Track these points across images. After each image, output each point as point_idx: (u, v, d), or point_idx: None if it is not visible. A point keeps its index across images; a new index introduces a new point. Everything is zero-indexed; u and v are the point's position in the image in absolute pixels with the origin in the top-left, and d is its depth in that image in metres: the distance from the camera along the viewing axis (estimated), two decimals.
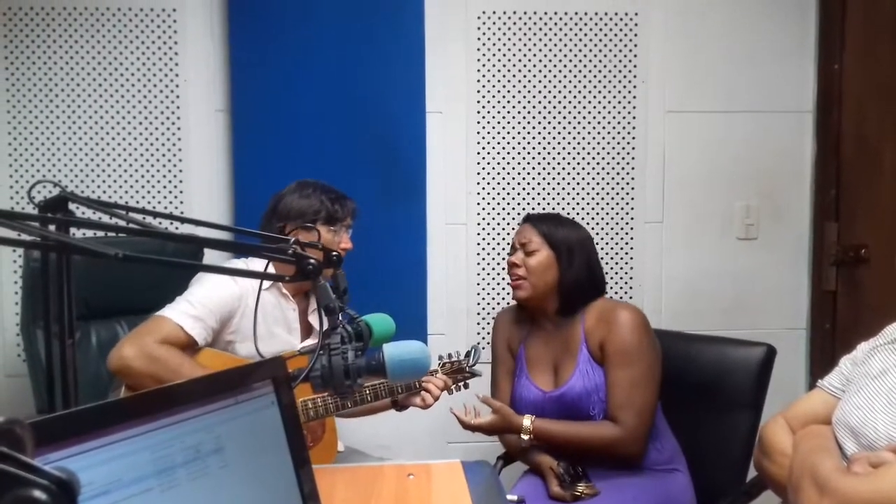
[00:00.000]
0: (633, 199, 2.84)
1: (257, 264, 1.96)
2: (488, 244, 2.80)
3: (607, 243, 2.83)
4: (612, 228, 2.83)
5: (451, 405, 2.04)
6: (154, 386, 1.51)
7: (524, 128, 2.79)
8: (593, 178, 2.82)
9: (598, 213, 2.82)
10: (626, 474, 1.99)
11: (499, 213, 2.79)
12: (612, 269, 2.84)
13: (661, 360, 2.04)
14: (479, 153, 2.78)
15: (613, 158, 2.82)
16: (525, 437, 1.98)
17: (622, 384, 1.96)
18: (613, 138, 2.81)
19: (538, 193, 2.80)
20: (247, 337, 1.93)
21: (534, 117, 2.79)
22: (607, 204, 2.83)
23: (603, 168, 2.82)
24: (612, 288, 2.84)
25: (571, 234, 2.09)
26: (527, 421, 1.98)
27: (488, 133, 2.78)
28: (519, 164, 2.79)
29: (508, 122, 2.78)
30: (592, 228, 2.81)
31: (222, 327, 1.92)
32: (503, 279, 2.80)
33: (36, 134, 2.62)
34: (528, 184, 2.80)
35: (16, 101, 2.60)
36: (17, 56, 2.59)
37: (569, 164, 2.81)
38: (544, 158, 2.80)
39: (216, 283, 1.91)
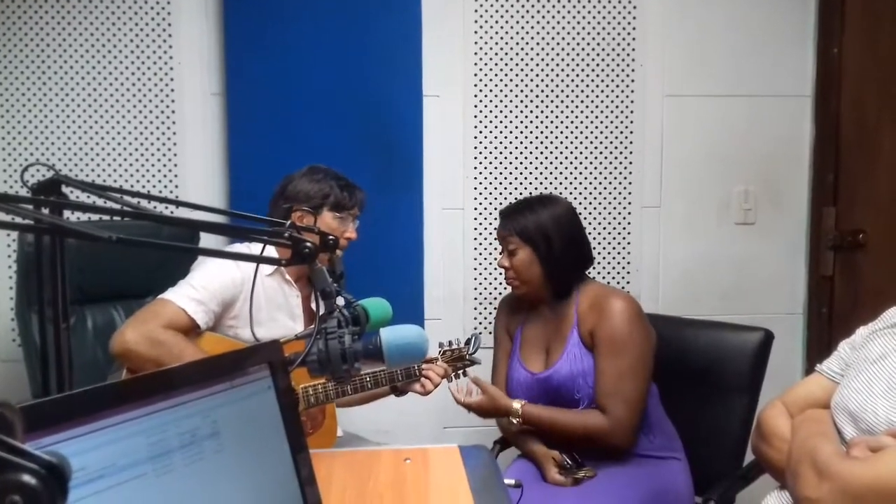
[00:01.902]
0: (630, 183, 2.82)
1: (259, 249, 1.95)
2: (485, 229, 2.79)
3: (605, 227, 2.83)
4: (609, 213, 2.82)
5: (450, 388, 2.04)
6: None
7: (522, 111, 2.77)
8: (591, 163, 2.80)
9: (595, 198, 2.81)
10: (620, 462, 1.97)
11: (496, 198, 2.78)
12: (609, 253, 2.84)
13: (653, 350, 2.00)
14: (476, 137, 2.76)
15: (611, 142, 2.80)
16: (514, 420, 1.99)
17: (610, 374, 1.93)
18: (611, 122, 2.80)
19: (535, 178, 2.79)
20: (249, 322, 1.92)
21: (531, 101, 2.77)
22: (605, 188, 2.82)
23: (601, 152, 2.80)
24: (609, 273, 2.84)
25: (544, 216, 2.01)
26: (516, 404, 1.99)
27: (485, 117, 2.76)
28: (516, 148, 2.78)
29: (506, 106, 2.76)
30: (590, 213, 2.80)
31: (224, 311, 1.92)
32: None
33: (29, 117, 2.59)
34: (526, 168, 2.78)
35: (8, 83, 2.58)
36: (10, 38, 2.56)
37: (566, 148, 2.79)
38: (542, 142, 2.78)
39: (218, 268, 1.91)
